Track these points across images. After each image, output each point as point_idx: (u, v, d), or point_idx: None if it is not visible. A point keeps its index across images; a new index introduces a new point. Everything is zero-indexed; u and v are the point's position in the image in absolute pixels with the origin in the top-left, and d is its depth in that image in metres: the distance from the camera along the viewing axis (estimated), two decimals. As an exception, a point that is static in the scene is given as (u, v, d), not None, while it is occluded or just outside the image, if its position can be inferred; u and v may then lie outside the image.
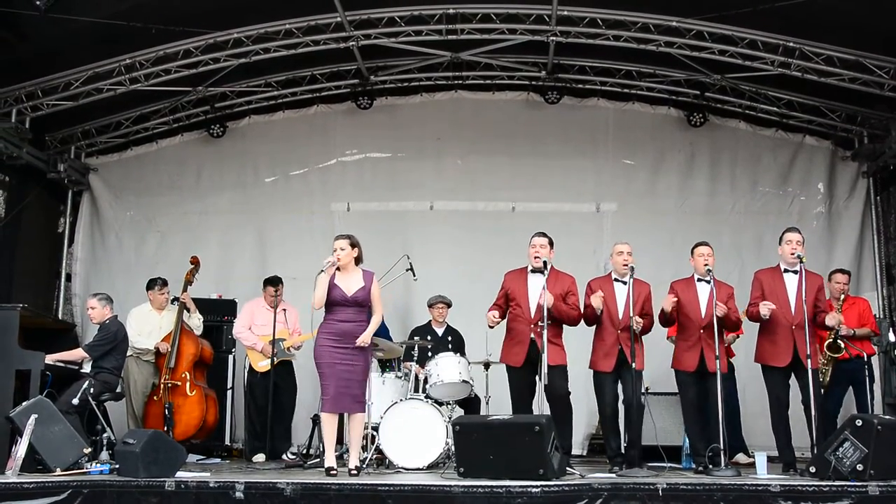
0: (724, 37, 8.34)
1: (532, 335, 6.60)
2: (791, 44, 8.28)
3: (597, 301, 6.63)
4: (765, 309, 6.45)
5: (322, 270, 6.22)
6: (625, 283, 6.75)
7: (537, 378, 6.41)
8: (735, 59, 8.55)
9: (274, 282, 8.32)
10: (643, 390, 6.81)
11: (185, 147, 10.43)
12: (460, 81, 10.09)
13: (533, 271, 6.78)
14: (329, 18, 8.42)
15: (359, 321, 6.29)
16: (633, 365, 6.45)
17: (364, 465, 6.66)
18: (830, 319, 6.59)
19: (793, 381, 6.56)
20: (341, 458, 6.77)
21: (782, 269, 6.69)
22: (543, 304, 6.45)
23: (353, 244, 6.38)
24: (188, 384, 7.87)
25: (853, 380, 7.58)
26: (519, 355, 6.67)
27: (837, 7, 7.74)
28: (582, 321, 6.88)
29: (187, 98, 9.71)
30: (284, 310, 8.25)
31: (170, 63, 8.78)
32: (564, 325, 6.84)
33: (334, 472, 6.05)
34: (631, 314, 6.54)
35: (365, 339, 6.23)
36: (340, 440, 7.04)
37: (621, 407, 6.79)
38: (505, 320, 6.90)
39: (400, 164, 10.24)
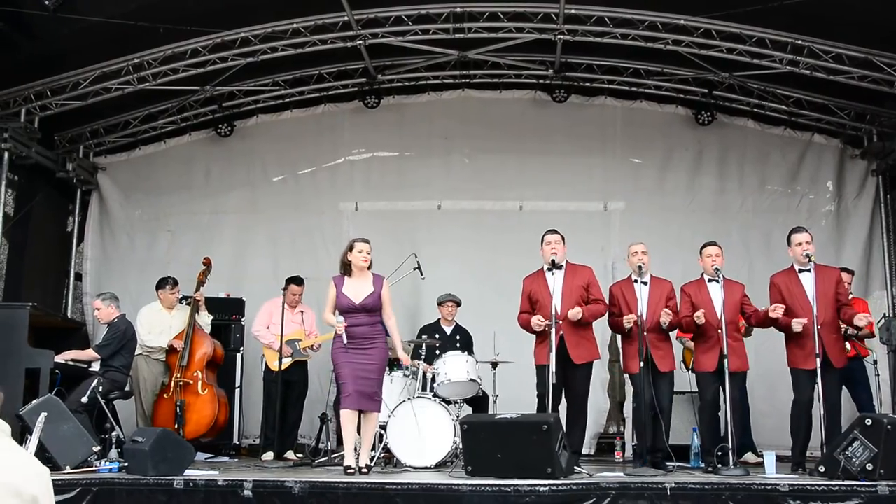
0: (732, 35, 8.31)
1: (562, 332, 6.56)
2: (800, 42, 8.24)
3: (629, 325, 6.64)
4: (797, 326, 6.40)
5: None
6: (645, 283, 6.75)
7: (552, 376, 6.35)
8: (743, 57, 8.52)
9: (298, 281, 8.38)
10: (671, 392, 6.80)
11: (193, 146, 10.46)
12: (468, 80, 10.09)
13: (549, 269, 6.77)
14: (336, 17, 8.43)
15: (370, 323, 6.29)
16: (642, 365, 6.45)
17: (372, 464, 6.68)
18: (860, 320, 6.48)
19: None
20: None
21: (797, 270, 6.65)
22: (571, 317, 6.47)
23: (371, 248, 6.43)
24: (200, 383, 7.88)
25: (849, 379, 7.52)
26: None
27: (846, 4, 7.71)
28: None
29: (195, 97, 9.74)
30: (302, 311, 8.30)
31: (177, 62, 8.80)
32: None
33: (352, 470, 6.04)
34: (641, 314, 6.53)
35: (404, 358, 6.49)
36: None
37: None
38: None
39: (407, 162, 10.25)
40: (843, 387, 7.55)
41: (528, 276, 6.98)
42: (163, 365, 8.06)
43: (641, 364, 6.48)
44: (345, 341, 6.17)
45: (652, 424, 6.54)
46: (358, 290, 6.30)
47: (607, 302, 6.90)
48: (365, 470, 6.11)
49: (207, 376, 7.97)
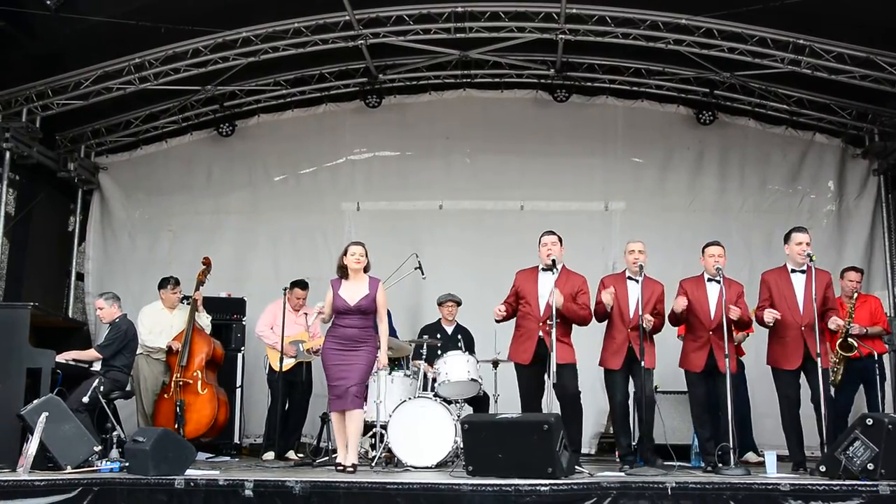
0: (733, 34, 8.32)
1: (540, 333, 6.59)
2: (801, 41, 8.25)
3: (607, 297, 6.63)
4: (769, 316, 6.45)
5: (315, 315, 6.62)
6: (637, 281, 6.73)
7: (546, 376, 6.41)
8: (744, 56, 8.53)
9: (303, 286, 8.40)
10: (653, 388, 6.79)
11: (195, 146, 10.47)
12: (469, 80, 10.09)
13: (544, 270, 6.78)
14: (338, 17, 8.44)
15: (363, 326, 6.39)
16: (643, 363, 6.44)
17: (373, 464, 6.69)
18: (832, 324, 6.51)
19: (803, 380, 6.52)
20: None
21: (789, 269, 6.64)
22: (552, 303, 6.43)
23: (366, 251, 6.51)
24: (200, 382, 7.89)
25: (864, 379, 7.54)
26: (527, 353, 6.67)
27: (848, 3, 7.72)
28: (592, 320, 6.86)
29: (196, 97, 9.74)
30: (306, 313, 8.30)
31: (179, 62, 8.81)
32: (574, 324, 6.82)
33: (341, 468, 6.15)
34: (640, 312, 6.52)
35: (382, 360, 6.41)
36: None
37: (632, 405, 6.77)
38: (513, 318, 6.90)
39: (409, 162, 10.26)
40: (861, 385, 7.58)
41: (522, 271, 6.96)
42: (163, 364, 8.07)
43: (643, 364, 6.46)
44: (313, 313, 6.50)
45: (639, 419, 6.56)
46: (353, 292, 6.40)
47: (597, 290, 6.84)
48: (350, 469, 6.12)
49: (207, 376, 7.98)
